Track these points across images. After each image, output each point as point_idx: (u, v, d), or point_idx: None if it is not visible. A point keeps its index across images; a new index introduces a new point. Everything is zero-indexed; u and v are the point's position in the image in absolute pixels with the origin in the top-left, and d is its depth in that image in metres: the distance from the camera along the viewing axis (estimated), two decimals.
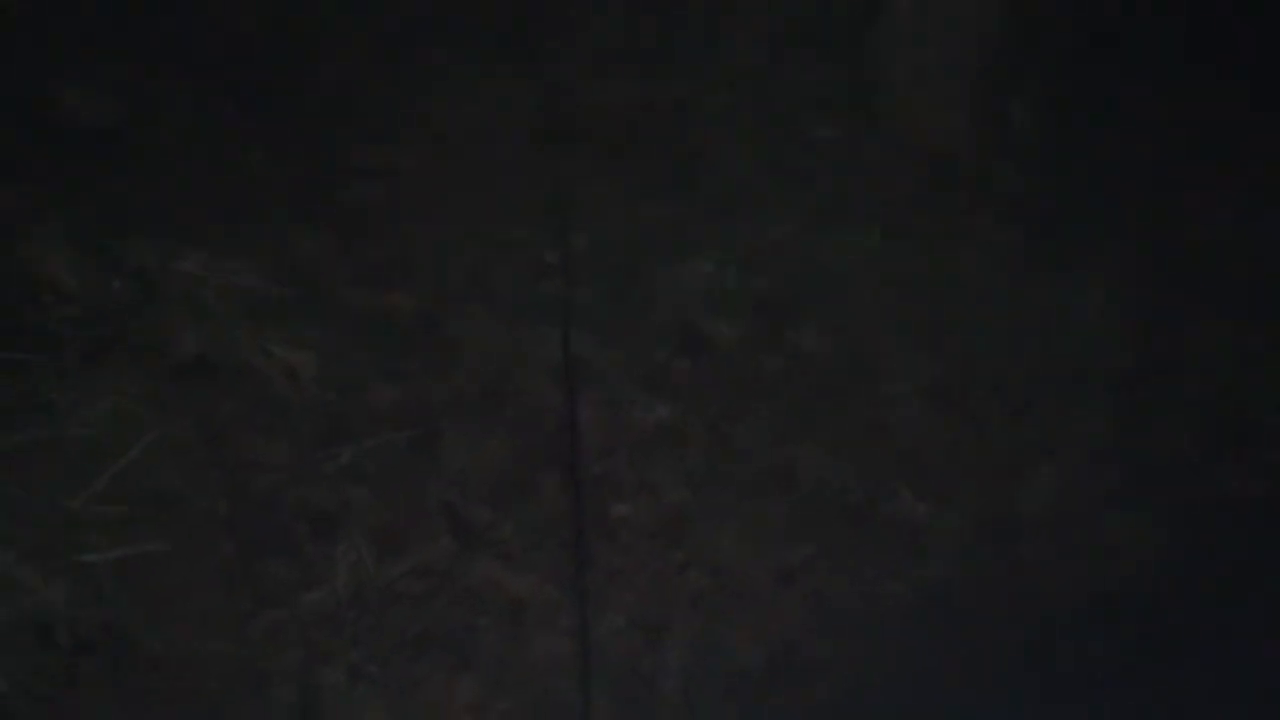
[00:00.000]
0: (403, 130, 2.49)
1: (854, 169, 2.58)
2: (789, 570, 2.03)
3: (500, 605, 1.90)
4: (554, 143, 2.54)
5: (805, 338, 2.36)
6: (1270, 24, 2.50)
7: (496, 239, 2.41)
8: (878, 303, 2.40)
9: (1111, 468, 2.18)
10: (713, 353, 2.33)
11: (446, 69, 2.58)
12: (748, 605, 1.98)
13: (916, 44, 2.63)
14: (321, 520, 1.94)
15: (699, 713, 1.84)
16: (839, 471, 2.15)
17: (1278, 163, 2.52)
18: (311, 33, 2.49)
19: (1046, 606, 2.01)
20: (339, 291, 2.23)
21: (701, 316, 2.36)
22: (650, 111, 2.64)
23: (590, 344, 2.29)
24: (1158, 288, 2.43)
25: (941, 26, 2.63)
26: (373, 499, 2.00)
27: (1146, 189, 2.56)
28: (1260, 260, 2.47)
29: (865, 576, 2.03)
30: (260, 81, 2.42)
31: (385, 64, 2.53)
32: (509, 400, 2.20)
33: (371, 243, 2.33)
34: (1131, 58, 2.55)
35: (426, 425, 2.11)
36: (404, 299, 2.27)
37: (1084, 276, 2.42)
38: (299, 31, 2.51)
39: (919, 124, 2.64)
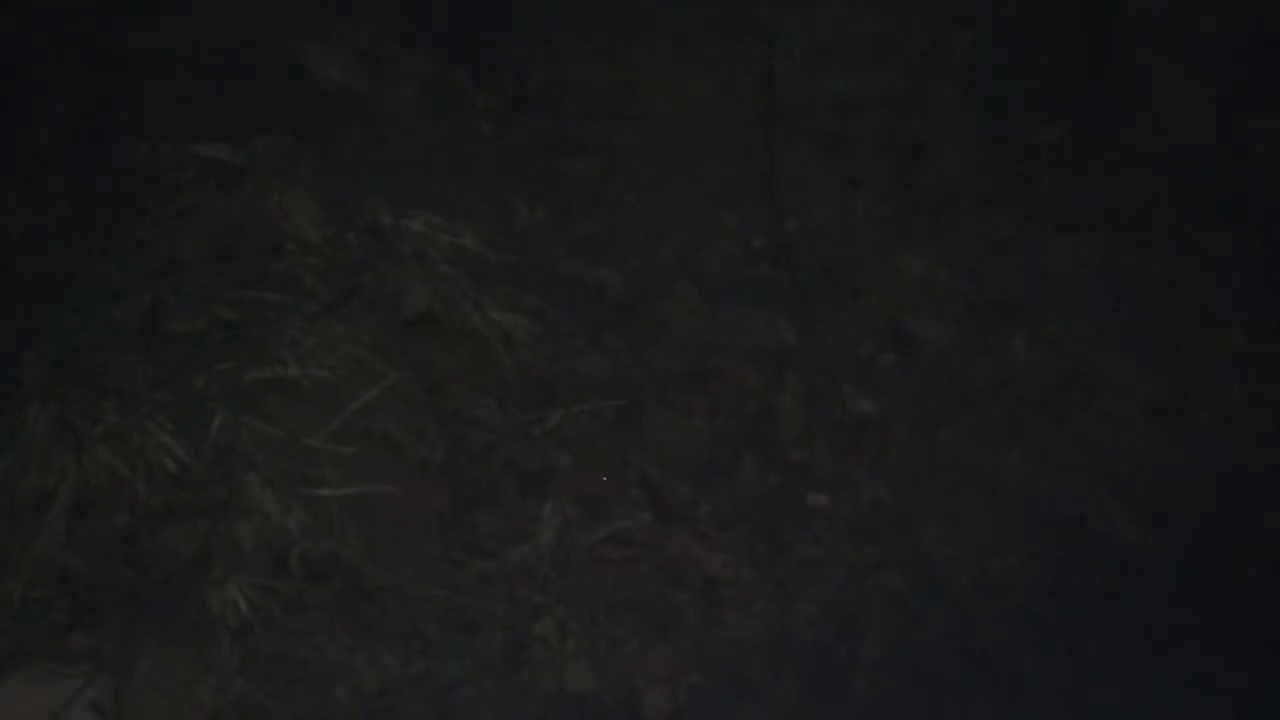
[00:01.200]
0: (623, 109, 2.60)
1: (1080, 172, 2.56)
2: (990, 580, 2.03)
3: (695, 581, 1.97)
4: (769, 130, 2.60)
5: (1019, 344, 2.35)
6: None
7: (707, 222, 2.49)
8: (1099, 313, 2.38)
9: None
10: (921, 352, 2.36)
11: (668, 52, 2.67)
12: (944, 611, 1.98)
13: (1156, 45, 2.59)
14: (528, 480, 2.05)
15: (888, 713, 1.86)
16: (1048, 486, 2.13)
17: None
18: (541, 12, 2.62)
19: (1264, 649, 1.95)
20: (553, 262, 2.34)
21: (911, 314, 2.39)
22: (869, 103, 2.68)
23: (795, 332, 2.35)
24: None
25: (1185, 29, 2.58)
26: (576, 464, 2.10)
27: None
28: None
29: (1072, 595, 2.01)
30: (491, 54, 2.56)
31: (610, 44, 2.64)
32: (711, 381, 2.27)
33: (586, 217, 2.44)
34: None
35: (630, 398, 2.20)
36: (614, 274, 2.37)
37: None
38: (529, 9, 2.64)
39: (1153, 129, 2.59)
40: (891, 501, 2.21)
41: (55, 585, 1.79)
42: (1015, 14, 2.78)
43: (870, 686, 2.04)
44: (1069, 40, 2.77)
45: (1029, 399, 2.34)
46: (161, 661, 1.74)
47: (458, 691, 1.84)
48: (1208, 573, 2.19)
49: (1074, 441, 2.29)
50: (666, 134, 2.66)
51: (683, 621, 2.01)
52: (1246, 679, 2.12)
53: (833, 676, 2.04)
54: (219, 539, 1.82)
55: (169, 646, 1.75)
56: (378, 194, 2.30)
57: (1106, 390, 2.33)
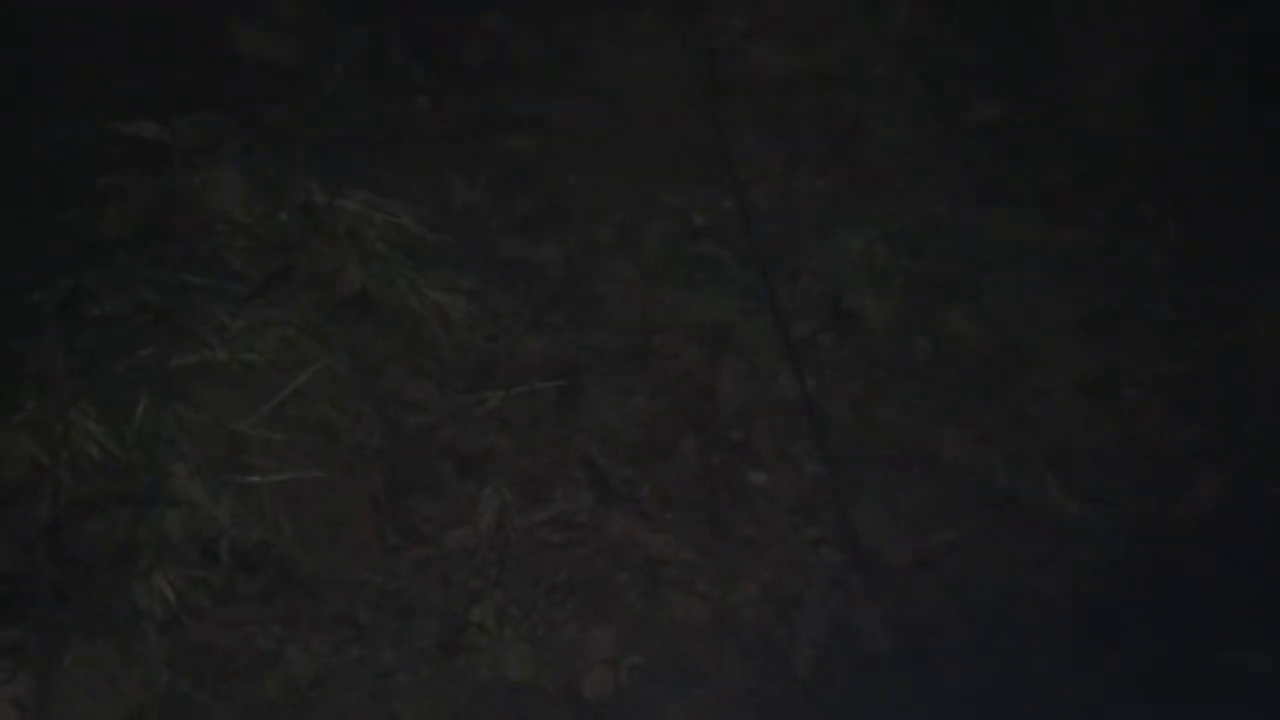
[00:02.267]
0: (561, 85, 2.53)
1: (1017, 149, 2.54)
2: (927, 555, 2.02)
3: (637, 562, 1.94)
4: (710, 107, 2.55)
5: (956, 320, 2.33)
6: None
7: (647, 199, 2.44)
8: (1035, 289, 2.37)
9: (1275, 478, 2.11)
10: (860, 329, 2.33)
11: (607, 27, 2.61)
12: (883, 587, 1.97)
13: (1092, 25, 2.57)
14: (467, 463, 2.00)
15: (827, 689, 1.84)
16: (984, 460, 2.12)
17: None
18: None
19: (1197, 614, 1.96)
20: (492, 240, 2.29)
21: (850, 291, 2.36)
22: (810, 80, 2.64)
23: (735, 311, 2.31)
24: None
25: (1122, 7, 2.57)
26: (516, 446, 2.05)
27: None
28: None
29: (1006, 568, 2.00)
30: (427, 28, 2.48)
31: (550, 19, 2.57)
32: (651, 360, 2.23)
33: (525, 195, 2.38)
34: None
35: (570, 378, 2.15)
36: (553, 253, 2.32)
37: (1258, 274, 2.35)
38: None
39: (1089, 106, 2.57)
40: (830, 479, 2.19)
41: None
42: None
43: (811, 664, 2.02)
44: (1006, 17, 2.75)
45: (965, 375, 2.33)
46: (86, 656, 1.67)
47: (392, 679, 1.79)
48: (1139, 544, 2.20)
49: (1009, 417, 2.28)
50: (607, 110, 2.60)
51: (624, 603, 1.98)
52: (1179, 648, 2.13)
53: (774, 655, 2.02)
54: (145, 529, 1.76)
55: (93, 640, 1.69)
56: (310, 172, 2.22)
57: (1041, 366, 2.33)
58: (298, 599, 1.79)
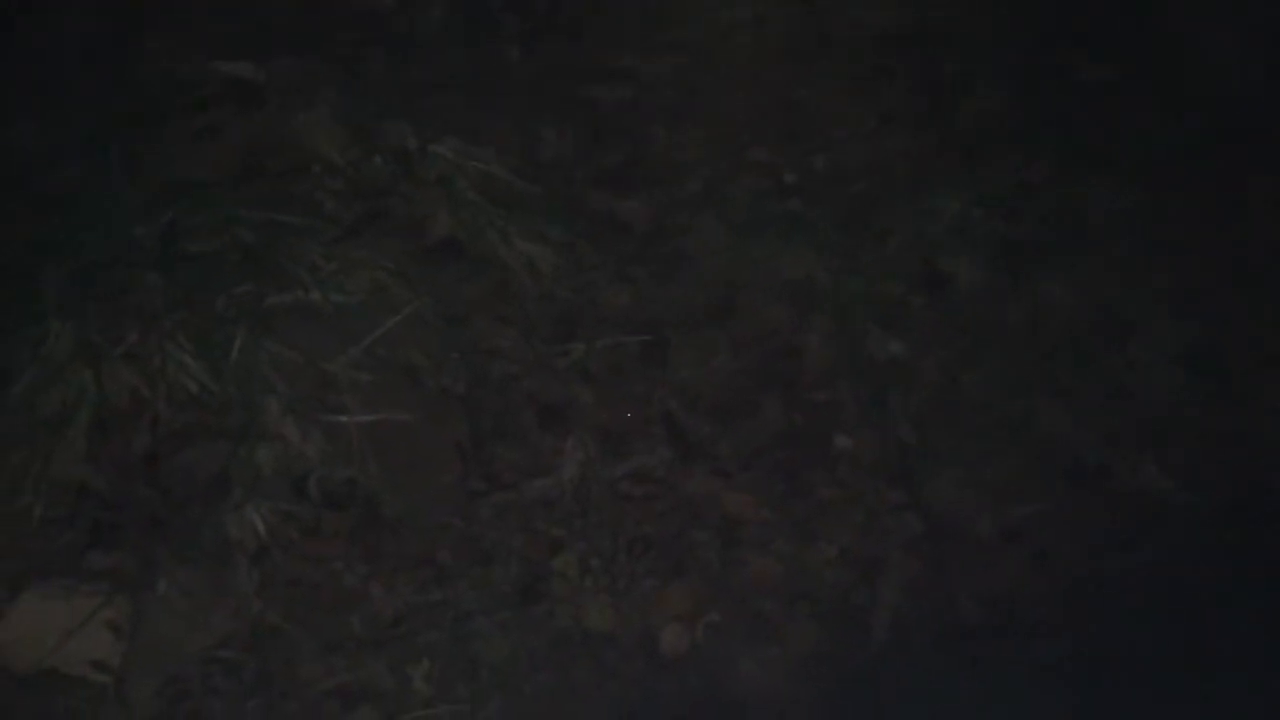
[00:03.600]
0: (654, 38, 2.50)
1: (1124, 114, 2.45)
2: (1013, 527, 1.97)
3: (715, 520, 1.92)
4: (805, 63, 2.50)
5: (1052, 288, 2.27)
6: None
7: (736, 155, 2.41)
8: (1136, 258, 2.29)
9: None
10: (952, 293, 2.28)
11: None
12: (966, 556, 1.93)
13: None
14: (549, 413, 2.00)
15: (906, 654, 1.82)
16: (1076, 432, 2.06)
17: None
18: None
19: None
20: (579, 191, 2.27)
21: (942, 254, 2.31)
22: (908, 38, 2.57)
23: (823, 270, 2.28)
24: None
25: None
26: (598, 399, 2.05)
27: None
28: None
29: (1095, 544, 1.95)
30: None
31: None
32: (736, 317, 2.21)
33: (613, 147, 2.36)
34: None
35: (654, 333, 2.14)
36: (640, 206, 2.30)
37: None
38: None
39: (1199, 75, 2.47)
40: (916, 444, 2.15)
41: (74, 504, 1.76)
42: None
43: (888, 630, 1.99)
44: None
45: (1060, 343, 2.27)
46: (179, 583, 1.71)
47: (472, 621, 1.80)
48: (1237, 525, 2.13)
49: (1104, 388, 2.21)
50: (697, 64, 2.56)
51: (701, 560, 1.97)
52: (1266, 634, 2.06)
53: (850, 619, 2.00)
54: (238, 463, 1.79)
55: (187, 568, 1.73)
56: (403, 118, 2.23)
57: (1140, 337, 2.25)
58: (382, 538, 1.81)
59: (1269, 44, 2.59)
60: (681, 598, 1.93)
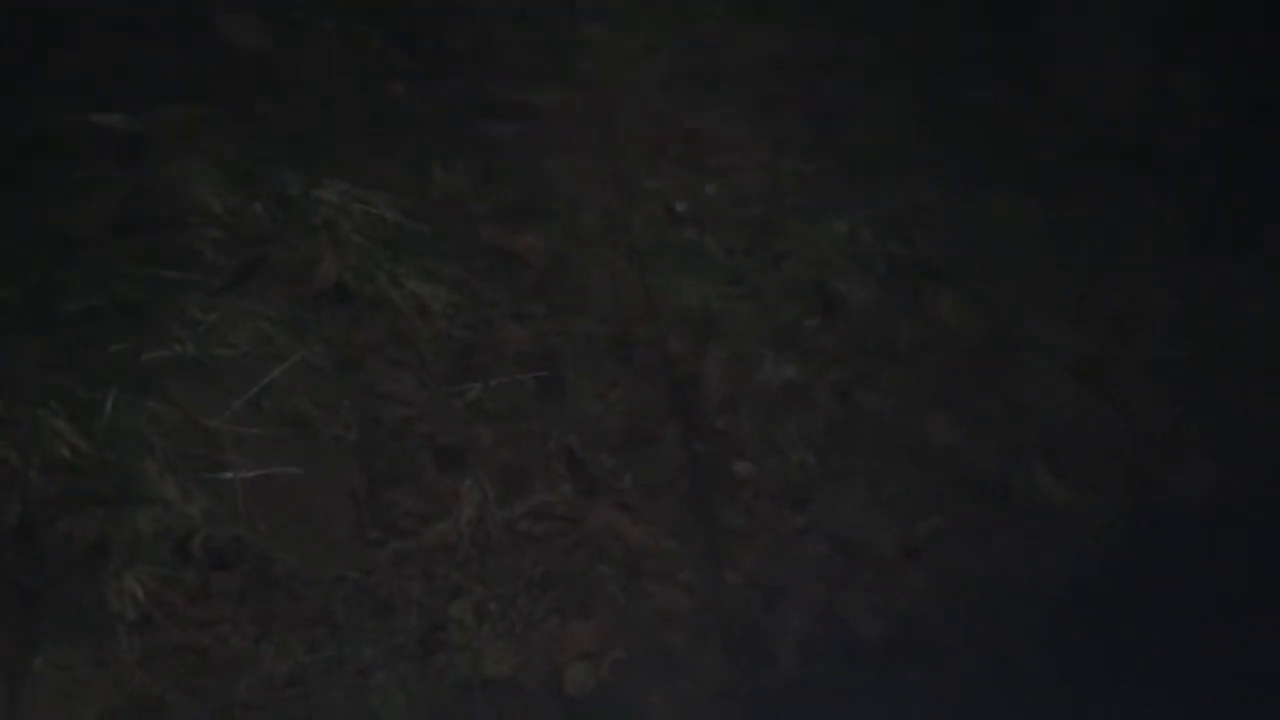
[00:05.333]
0: (544, 70, 2.46)
1: (1007, 132, 2.47)
2: (914, 544, 1.96)
3: (619, 554, 1.88)
4: (696, 92, 2.48)
5: (944, 305, 2.27)
6: None
7: (631, 185, 2.37)
8: (1026, 273, 2.30)
9: (1274, 463, 2.05)
10: (846, 314, 2.26)
11: (592, 11, 2.54)
12: (870, 576, 1.91)
13: (1085, 7, 2.49)
14: (447, 455, 1.94)
15: (814, 679, 1.79)
16: (973, 447, 2.06)
17: None
18: None
19: (1194, 601, 1.91)
20: (473, 229, 2.22)
21: (835, 276, 2.29)
22: (795, 64, 2.57)
23: (719, 297, 2.25)
24: None
25: None
26: (496, 438, 2.00)
27: None
28: None
29: (995, 556, 1.95)
30: (408, 13, 2.42)
31: (532, 2, 2.49)
32: (635, 349, 2.17)
33: (507, 183, 2.32)
34: None
35: (552, 368, 2.09)
36: (536, 241, 2.25)
37: (1252, 257, 2.28)
38: None
39: (1081, 91, 2.50)
40: (817, 467, 2.13)
41: None
42: None
43: (796, 655, 1.97)
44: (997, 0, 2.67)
45: (954, 359, 2.26)
46: (56, 658, 1.62)
47: (370, 676, 1.74)
48: (1132, 532, 2.14)
49: (999, 402, 2.21)
50: (589, 95, 2.53)
51: (606, 595, 1.92)
52: (1170, 635, 2.08)
53: (759, 646, 1.97)
54: (116, 528, 1.70)
55: (64, 642, 1.63)
56: (286, 162, 2.16)
57: (1032, 349, 2.26)
58: (273, 596, 1.73)
59: (1144, 61, 2.64)
60: (586, 636, 1.88)
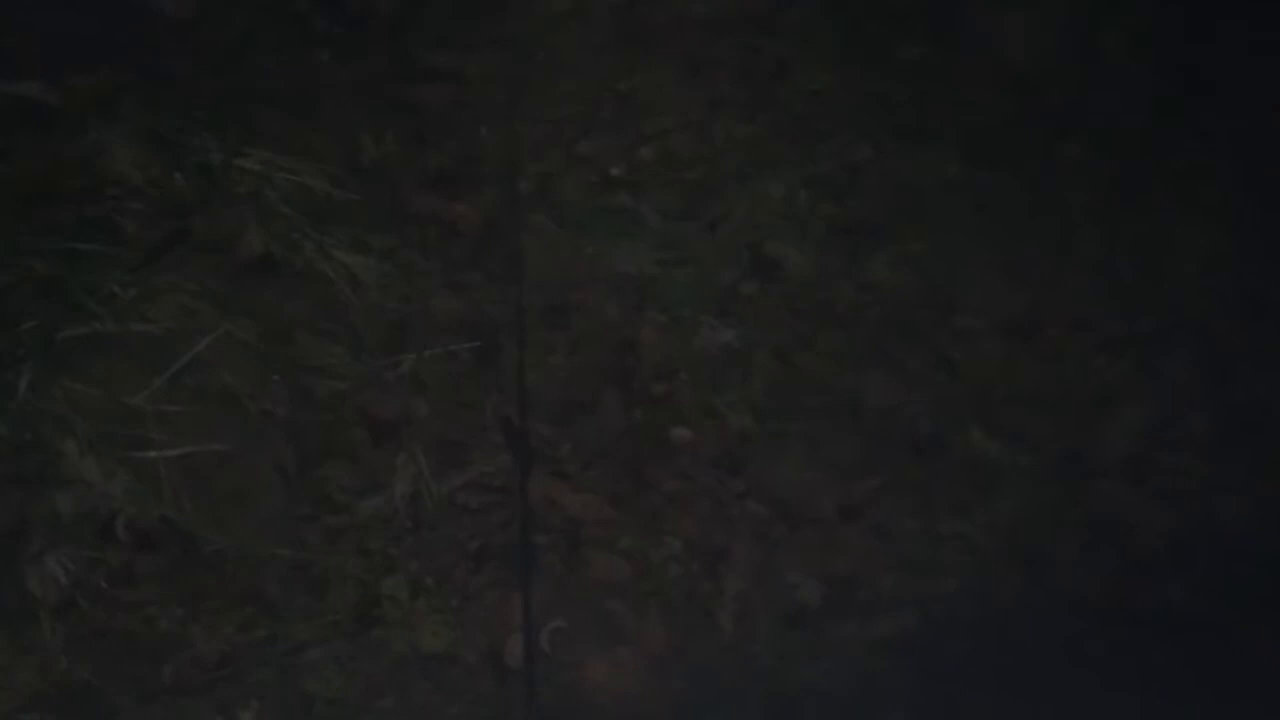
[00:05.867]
0: (474, 34, 2.40)
1: (938, 92, 2.45)
2: (852, 504, 1.96)
3: (558, 523, 1.85)
4: (629, 55, 2.43)
5: (879, 266, 2.26)
6: None
7: (565, 151, 2.32)
8: (958, 232, 2.29)
9: (1198, 412, 2.07)
10: (782, 277, 2.24)
11: None
12: (808, 537, 1.91)
13: None
14: (381, 428, 1.90)
15: (755, 642, 1.78)
16: (909, 405, 2.06)
17: None
18: None
19: (1121, 550, 1.92)
20: (404, 197, 2.17)
21: (772, 239, 2.27)
22: (729, 26, 2.52)
23: (656, 262, 2.21)
24: (1252, 226, 2.30)
25: None
26: (432, 410, 1.95)
27: (1245, 121, 2.41)
28: None
29: (931, 513, 1.95)
30: None
31: None
32: (571, 316, 2.13)
33: (437, 149, 2.25)
34: None
35: (487, 338, 2.05)
36: (468, 209, 2.20)
37: (1177, 211, 2.29)
38: None
39: (1010, 48, 2.48)
40: (755, 431, 2.12)
41: None
42: None
43: (736, 618, 1.96)
44: None
45: (889, 320, 2.26)
46: None
47: (304, 654, 1.70)
48: (1062, 484, 2.16)
49: (933, 361, 2.21)
50: (520, 59, 2.46)
51: (545, 565, 1.89)
52: (1103, 582, 2.10)
53: (699, 610, 1.96)
54: (36, 510, 1.64)
55: None
56: (208, 131, 2.08)
57: (964, 309, 2.26)
58: (201, 577, 1.68)
59: (1072, 20, 2.63)
60: (525, 607, 1.85)
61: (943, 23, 2.58)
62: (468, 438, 1.98)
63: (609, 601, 1.88)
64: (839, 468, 2.09)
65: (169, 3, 2.28)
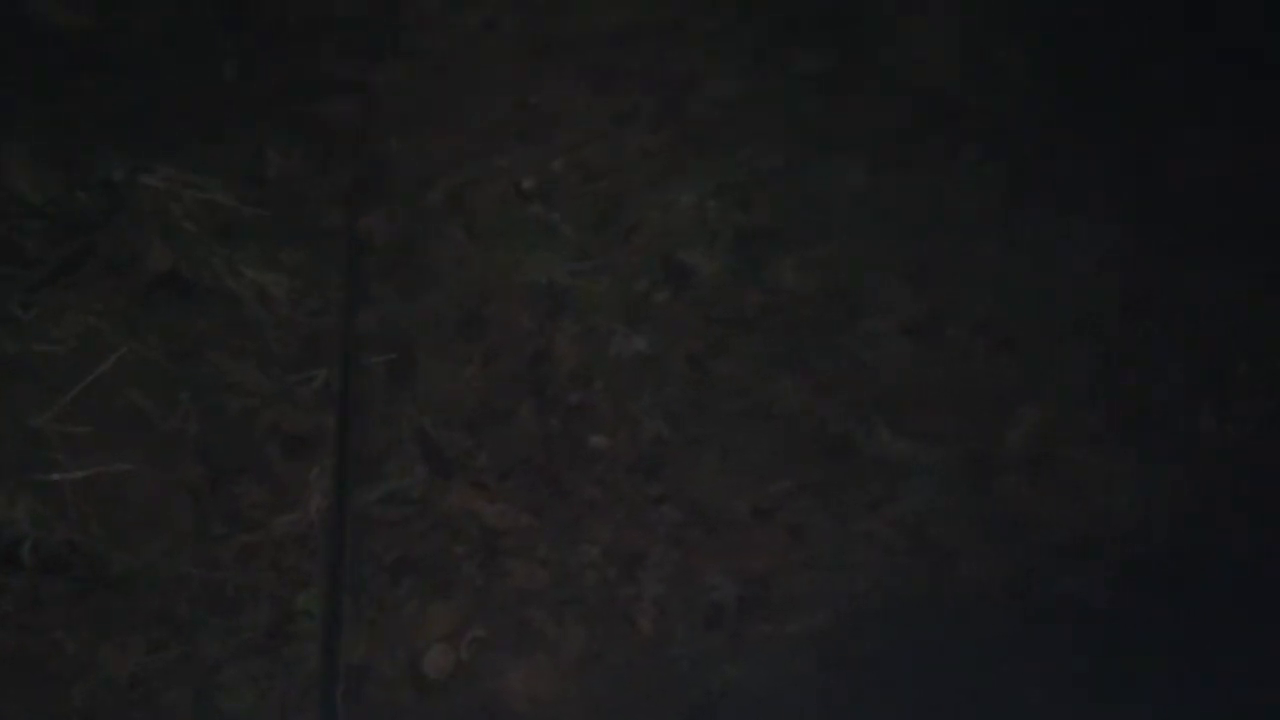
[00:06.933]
0: (382, 47, 2.41)
1: (839, 102, 2.53)
2: (766, 505, 2.01)
3: (475, 534, 1.88)
4: (538, 66, 2.46)
5: (787, 272, 2.32)
6: None
7: (476, 163, 2.35)
8: (862, 238, 2.37)
9: (1093, 408, 2.18)
10: (694, 285, 2.30)
11: None
12: (724, 539, 1.96)
13: None
14: (295, 444, 1.90)
15: (673, 645, 1.83)
16: (818, 408, 2.12)
17: (1271, 101, 2.49)
18: None
19: (1025, 544, 2.01)
20: (313, 211, 2.17)
21: (683, 247, 2.32)
22: (635, 37, 2.57)
23: (568, 272, 2.25)
24: (1142, 227, 2.41)
25: None
26: (346, 424, 1.96)
27: (1135, 125, 2.53)
28: (1244, 203, 2.45)
29: (843, 512, 2.02)
30: None
31: None
32: (485, 327, 2.16)
33: (347, 163, 2.26)
34: None
35: (401, 350, 2.07)
36: (380, 222, 2.22)
37: (1070, 214, 2.40)
38: None
39: (904, 57, 2.58)
40: (670, 436, 2.16)
41: None
42: None
43: (655, 621, 2.00)
44: None
45: (798, 325, 2.32)
46: None
47: (219, 673, 1.70)
48: (966, 480, 2.25)
49: (841, 364, 2.28)
50: (428, 71, 2.48)
51: (463, 576, 1.92)
52: (1008, 579, 2.19)
53: (618, 615, 2.00)
54: None
55: None
56: (109, 148, 2.06)
57: (869, 311, 2.34)
58: (110, 599, 1.67)
59: (968, 29, 2.73)
60: (444, 617, 1.87)
61: (848, 34, 2.66)
62: (383, 451, 1.99)
63: (528, 609, 1.91)
64: (752, 470, 2.15)
65: (63, 13, 2.26)
